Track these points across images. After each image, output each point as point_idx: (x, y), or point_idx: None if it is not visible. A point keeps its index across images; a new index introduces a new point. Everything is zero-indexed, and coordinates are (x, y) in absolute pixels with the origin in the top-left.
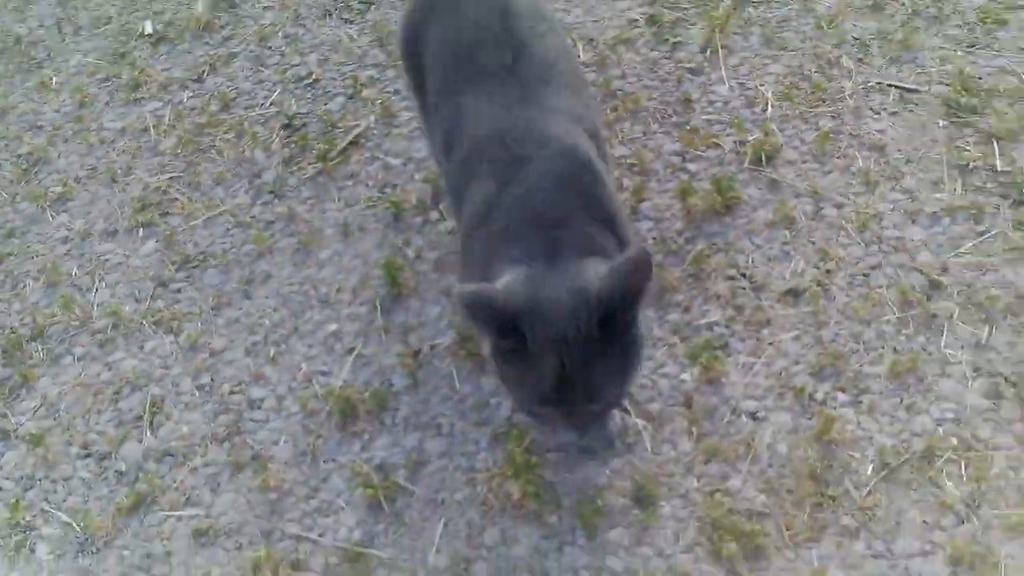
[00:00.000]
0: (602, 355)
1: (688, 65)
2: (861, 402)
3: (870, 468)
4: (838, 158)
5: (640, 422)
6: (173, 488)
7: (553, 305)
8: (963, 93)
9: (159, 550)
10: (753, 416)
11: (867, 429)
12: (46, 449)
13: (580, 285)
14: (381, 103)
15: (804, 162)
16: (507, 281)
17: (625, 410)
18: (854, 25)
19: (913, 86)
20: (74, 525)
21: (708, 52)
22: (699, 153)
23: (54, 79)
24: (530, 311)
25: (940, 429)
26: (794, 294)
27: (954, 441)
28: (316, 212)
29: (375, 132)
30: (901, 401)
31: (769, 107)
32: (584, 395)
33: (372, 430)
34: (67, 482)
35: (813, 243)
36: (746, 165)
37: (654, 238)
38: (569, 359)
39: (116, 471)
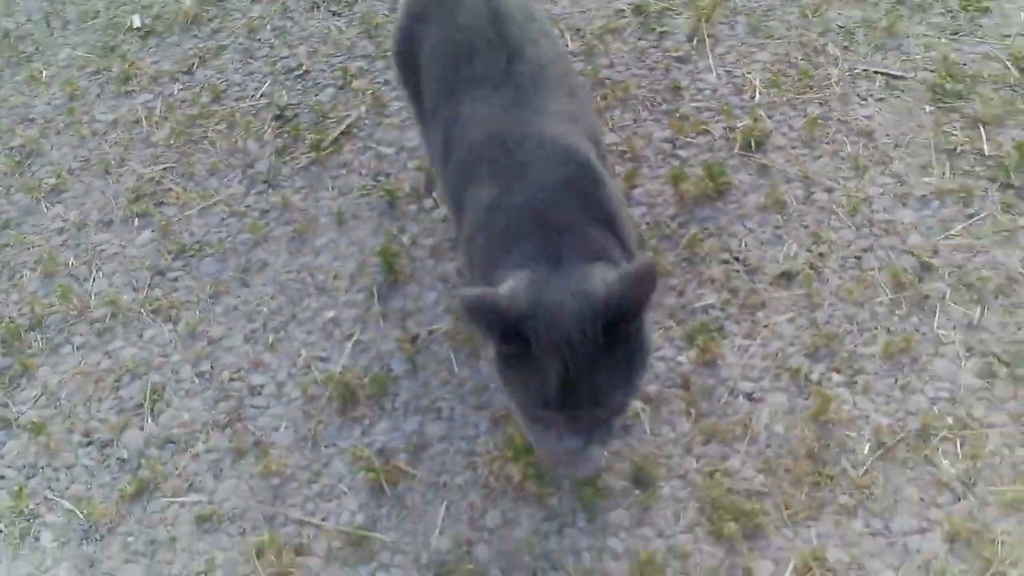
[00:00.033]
0: (606, 360)
1: (675, 54)
2: (856, 382)
3: (866, 447)
4: (827, 143)
5: (638, 404)
6: (175, 474)
7: (557, 309)
8: (948, 79)
9: (163, 536)
10: (750, 397)
11: (863, 409)
12: (48, 437)
13: (584, 289)
14: (372, 93)
15: (794, 147)
16: (510, 285)
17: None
18: (839, 13)
19: (899, 73)
20: (77, 512)
21: (695, 41)
22: (689, 140)
23: (44, 72)
24: (534, 315)
25: (935, 408)
26: (787, 277)
27: (949, 420)
28: (310, 201)
29: (366, 122)
30: (896, 381)
31: (757, 94)
32: (588, 400)
33: (372, 415)
34: (69, 470)
35: (805, 227)
36: (736, 151)
37: (647, 223)
38: (573, 363)
39: (118, 458)
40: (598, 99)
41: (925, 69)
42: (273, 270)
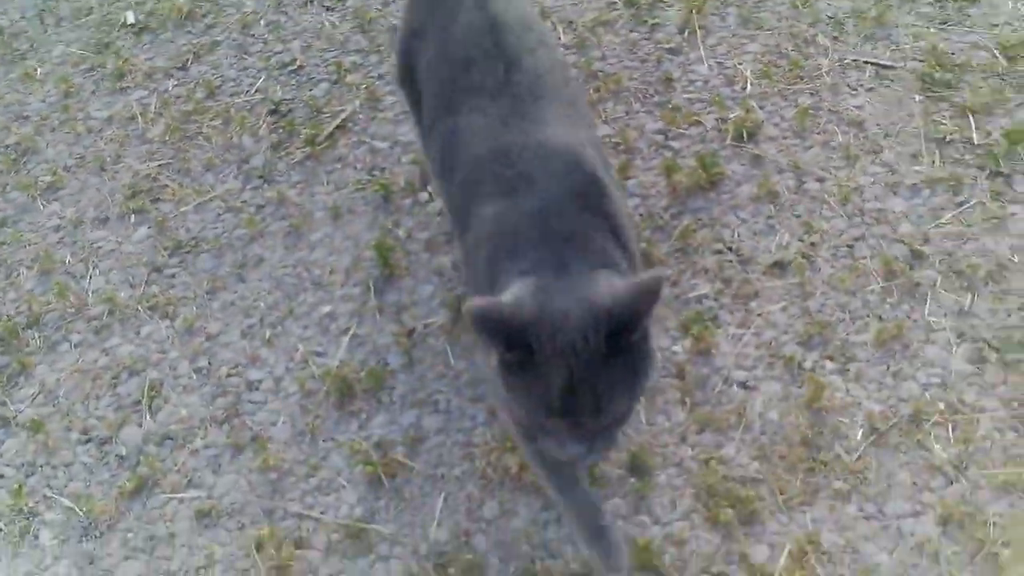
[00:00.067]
0: (609, 368)
1: (667, 46)
2: (849, 370)
3: (859, 433)
4: (818, 133)
5: None
6: (174, 470)
7: (561, 316)
8: (937, 69)
9: (162, 532)
10: (744, 385)
11: (855, 396)
12: (46, 435)
13: (589, 297)
14: (366, 88)
15: (785, 138)
16: (515, 292)
17: None
18: (828, 4)
19: (888, 62)
20: (77, 510)
21: (686, 33)
22: (682, 131)
23: (38, 70)
24: (538, 322)
25: (927, 394)
26: (780, 266)
27: (941, 405)
28: (306, 196)
29: (361, 116)
30: (888, 368)
31: (748, 85)
32: (591, 407)
33: (369, 408)
34: (68, 467)
35: (797, 216)
36: (728, 142)
37: (641, 214)
38: (576, 370)
39: (117, 455)
40: (591, 91)
41: (914, 59)
42: (269, 265)
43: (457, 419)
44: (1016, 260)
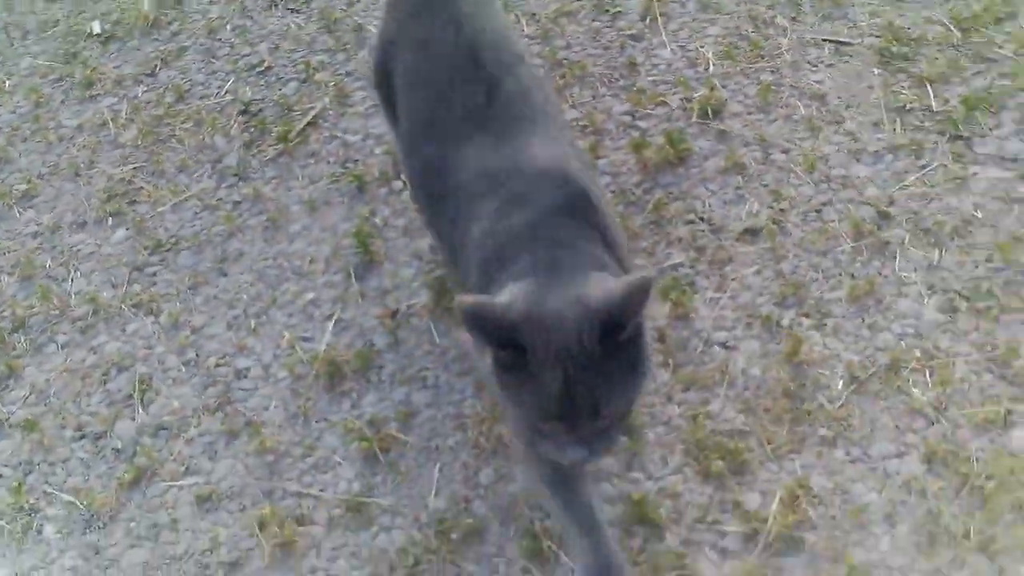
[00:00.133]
0: (605, 369)
1: (629, 32)
2: (825, 325)
3: (840, 383)
4: (781, 108)
5: None
6: (171, 459)
7: (554, 316)
8: (894, 43)
9: (165, 519)
10: (724, 345)
11: (833, 349)
12: (41, 434)
13: (582, 297)
14: (334, 85)
15: (749, 113)
16: (508, 292)
17: None
18: None
19: (847, 39)
20: (78, 503)
21: (648, 20)
22: (648, 111)
23: (7, 82)
24: (531, 322)
25: (902, 343)
26: (752, 233)
27: (917, 353)
28: (281, 190)
29: (331, 112)
30: (863, 321)
31: (711, 66)
32: (588, 409)
33: (360, 388)
34: (65, 464)
35: (765, 186)
36: (694, 119)
37: (613, 191)
38: (572, 371)
39: (113, 448)
40: (557, 79)
41: (871, 35)
42: (249, 259)
43: (446, 393)
44: (980, 215)
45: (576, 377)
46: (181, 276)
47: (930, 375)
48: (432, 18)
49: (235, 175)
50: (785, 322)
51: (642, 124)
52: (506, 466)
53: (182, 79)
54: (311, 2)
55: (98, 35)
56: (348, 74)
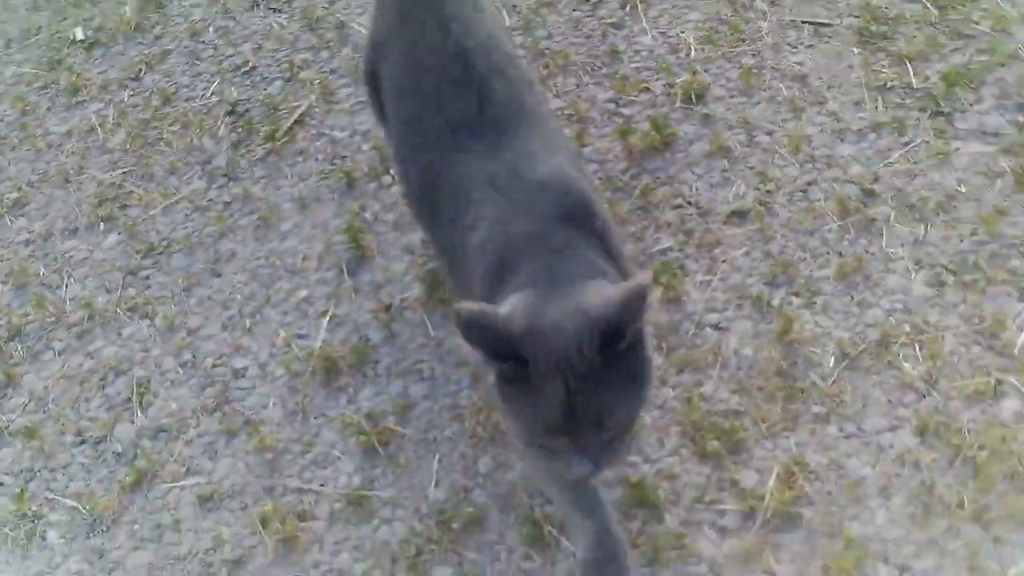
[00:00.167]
0: (607, 379)
1: (610, 20)
2: (815, 303)
3: (832, 360)
4: (763, 90)
5: None
6: (172, 461)
7: (554, 328)
8: (873, 23)
9: (167, 520)
10: (716, 327)
11: (824, 326)
12: (41, 441)
13: (581, 307)
14: (320, 83)
15: (732, 97)
16: (508, 304)
17: None
18: None
19: (826, 21)
20: (80, 508)
21: (628, 8)
22: (632, 98)
23: None
24: (531, 334)
25: (891, 318)
26: (739, 215)
27: (906, 327)
28: (271, 189)
29: (317, 110)
30: (852, 298)
31: (692, 51)
32: (593, 421)
33: (356, 383)
34: (66, 469)
35: (751, 168)
36: (678, 104)
37: (600, 178)
38: (574, 383)
39: (113, 452)
40: (540, 68)
41: (850, 15)
42: (242, 258)
43: (442, 385)
44: (963, 190)
45: (577, 388)
46: (175, 278)
47: (920, 349)
48: (420, 21)
49: (224, 176)
50: (775, 302)
51: (626, 111)
52: (504, 454)
53: (167, 82)
54: (293, 1)
55: (81, 41)
56: (333, 71)
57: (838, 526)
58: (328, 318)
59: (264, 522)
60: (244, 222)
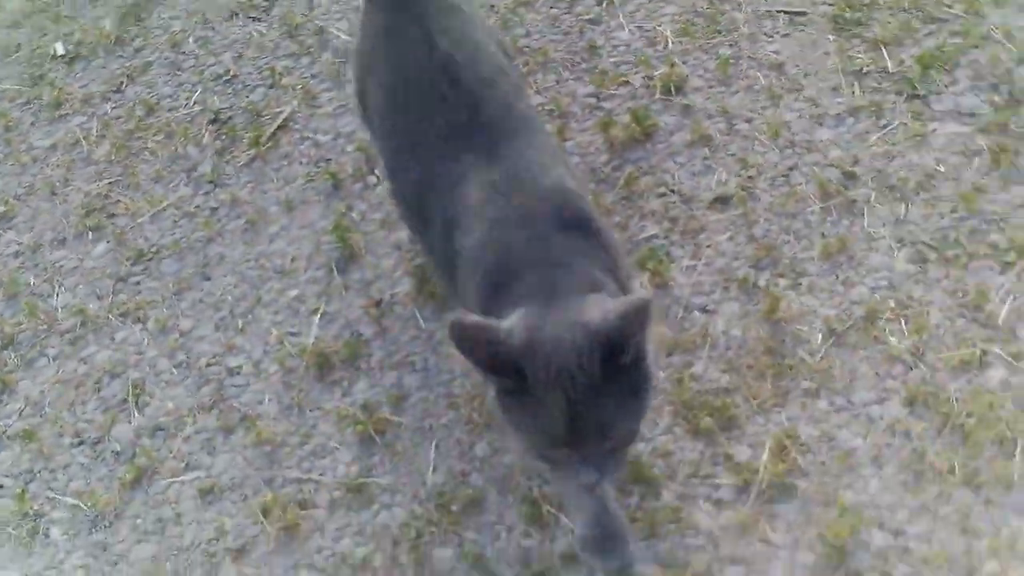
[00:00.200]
0: (608, 391)
1: (587, 17)
2: (801, 283)
3: (819, 337)
4: (741, 80)
5: None
6: (171, 457)
7: (554, 342)
8: (847, 10)
9: (169, 513)
10: (704, 310)
11: (810, 305)
12: (39, 443)
13: (580, 320)
14: (301, 88)
15: (711, 87)
16: (507, 319)
17: None
18: None
19: (800, 9)
20: (81, 505)
21: (604, 4)
22: (612, 92)
23: None
24: (531, 349)
25: (876, 295)
26: (722, 201)
27: (891, 303)
28: (257, 194)
29: (300, 115)
30: (837, 277)
31: (669, 44)
32: (595, 433)
33: (350, 376)
34: (66, 469)
35: (732, 155)
36: (657, 96)
37: (583, 171)
38: (575, 396)
39: (112, 451)
40: (520, 66)
41: (824, 3)
42: (231, 262)
43: (436, 375)
44: (942, 169)
45: (579, 402)
46: (165, 283)
47: (905, 324)
48: (404, 35)
49: (210, 182)
50: (761, 283)
51: (607, 104)
52: (500, 439)
53: (149, 93)
54: (271, 9)
55: (62, 56)
56: (314, 76)
57: (832, 495)
58: (319, 316)
59: (265, 511)
60: (232, 226)
